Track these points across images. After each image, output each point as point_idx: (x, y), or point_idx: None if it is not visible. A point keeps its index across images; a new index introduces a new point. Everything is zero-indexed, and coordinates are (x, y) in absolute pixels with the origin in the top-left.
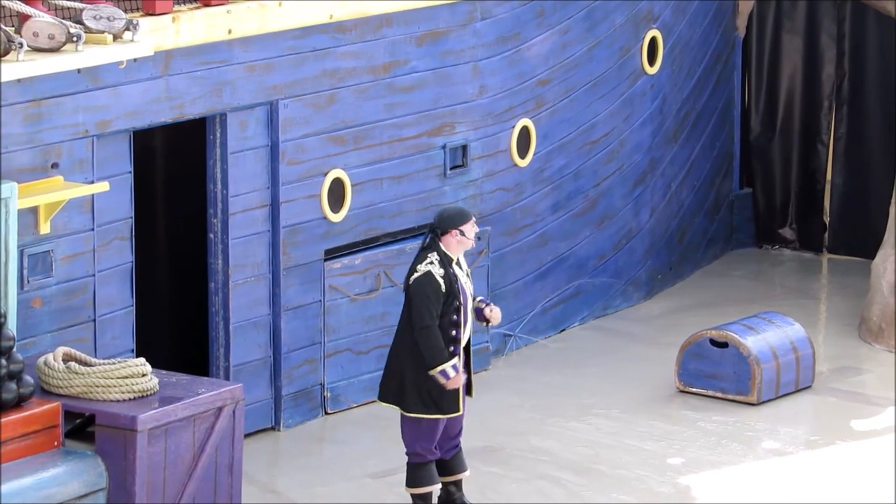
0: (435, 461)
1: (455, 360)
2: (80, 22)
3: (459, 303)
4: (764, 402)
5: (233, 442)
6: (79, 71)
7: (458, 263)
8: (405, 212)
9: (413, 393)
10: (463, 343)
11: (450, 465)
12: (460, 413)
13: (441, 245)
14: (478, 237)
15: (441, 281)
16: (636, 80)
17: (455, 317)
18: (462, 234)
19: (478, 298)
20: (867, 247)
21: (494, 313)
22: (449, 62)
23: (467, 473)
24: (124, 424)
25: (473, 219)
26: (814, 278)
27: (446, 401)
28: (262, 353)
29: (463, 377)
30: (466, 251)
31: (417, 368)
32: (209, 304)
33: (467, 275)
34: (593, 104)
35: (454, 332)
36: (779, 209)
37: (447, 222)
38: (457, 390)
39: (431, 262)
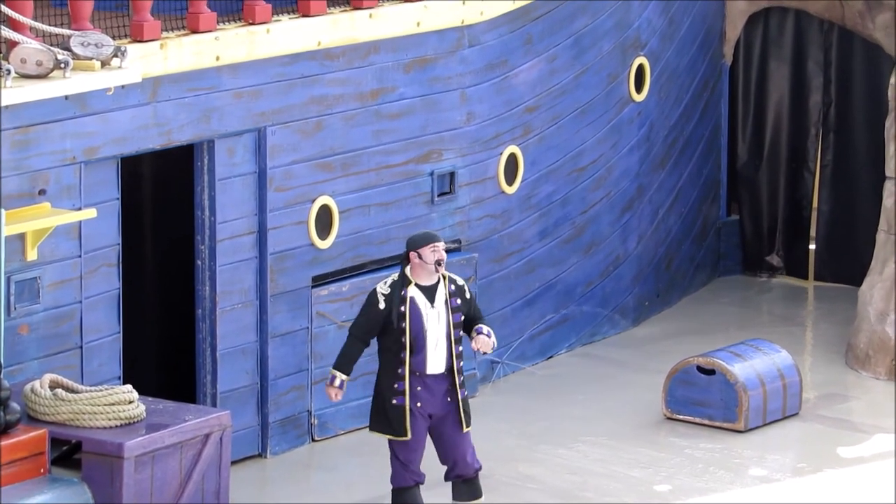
0: (418, 485)
1: (343, 377)
2: (67, 48)
3: (405, 326)
4: (751, 430)
5: (220, 469)
6: (66, 97)
7: (427, 289)
8: (393, 238)
9: (374, 411)
10: (429, 369)
11: (462, 489)
12: (407, 437)
13: (406, 268)
14: (437, 263)
15: (381, 299)
16: (623, 108)
17: (401, 339)
18: (419, 256)
19: (475, 328)
20: (854, 274)
21: (478, 342)
22: (436, 89)
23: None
24: (111, 451)
25: (437, 244)
26: (801, 305)
27: (395, 422)
28: (249, 380)
29: (339, 395)
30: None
31: (377, 386)
32: (196, 331)
33: (447, 303)
34: (581, 131)
35: (401, 355)
36: (766, 236)
37: (409, 244)
38: (403, 414)
39: (384, 282)
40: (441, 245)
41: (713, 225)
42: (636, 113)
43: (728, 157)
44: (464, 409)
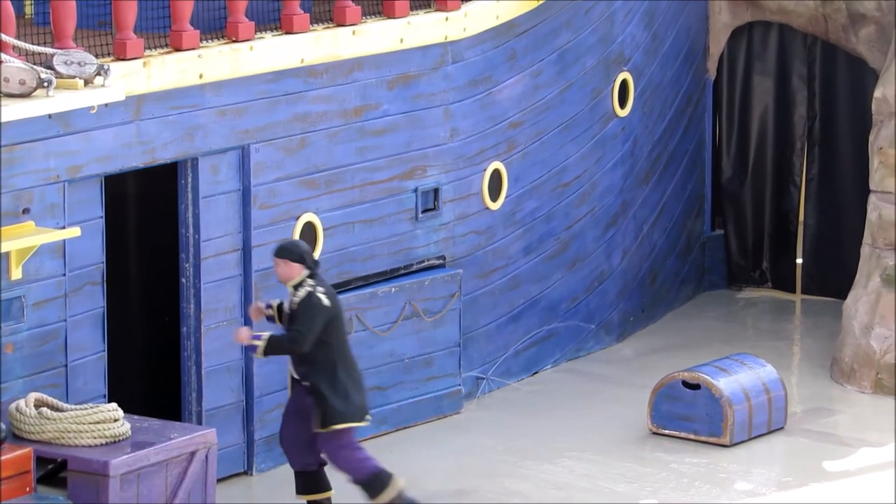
0: (300, 471)
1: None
2: (50, 67)
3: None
4: (737, 444)
5: (205, 487)
6: (50, 116)
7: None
8: (377, 255)
9: None
10: (290, 371)
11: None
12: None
13: None
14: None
15: None
16: (607, 123)
17: None
18: None
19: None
20: (841, 287)
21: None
22: (420, 105)
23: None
24: (96, 469)
25: (274, 256)
26: (786, 319)
27: None
28: (234, 398)
29: (250, 342)
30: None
31: None
32: (181, 349)
33: (290, 308)
34: (565, 146)
35: None
36: (751, 250)
37: None
38: None
39: None
40: (275, 259)
41: (698, 240)
42: (620, 128)
43: (712, 171)
44: (318, 407)
